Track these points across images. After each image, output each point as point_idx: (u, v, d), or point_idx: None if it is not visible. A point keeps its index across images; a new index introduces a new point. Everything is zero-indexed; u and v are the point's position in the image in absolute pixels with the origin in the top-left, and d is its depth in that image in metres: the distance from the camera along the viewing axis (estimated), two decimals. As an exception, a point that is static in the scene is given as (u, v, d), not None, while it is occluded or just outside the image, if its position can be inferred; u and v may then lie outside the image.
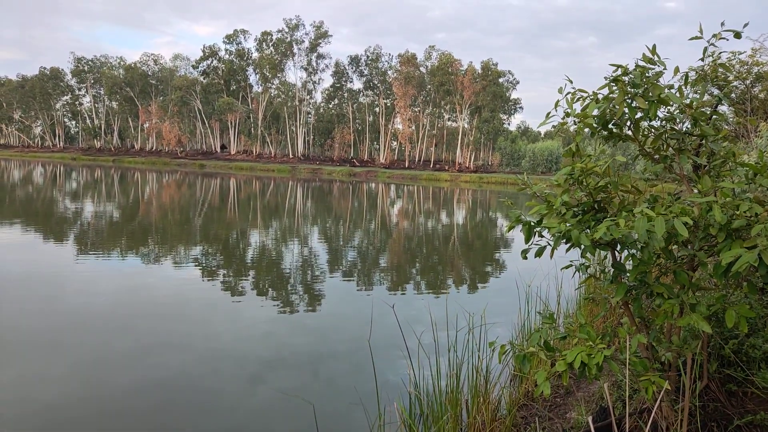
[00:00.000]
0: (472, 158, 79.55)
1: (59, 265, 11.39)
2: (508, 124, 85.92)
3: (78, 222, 18.72)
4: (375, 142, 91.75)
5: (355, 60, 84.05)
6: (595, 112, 3.02)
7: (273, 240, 16.50)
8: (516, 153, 77.41)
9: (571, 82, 3.15)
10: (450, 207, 32.84)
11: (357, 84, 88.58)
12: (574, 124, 3.06)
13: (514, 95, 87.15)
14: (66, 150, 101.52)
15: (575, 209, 2.90)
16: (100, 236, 15.82)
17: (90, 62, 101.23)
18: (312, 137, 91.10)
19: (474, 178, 62.89)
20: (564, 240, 2.71)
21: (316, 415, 4.72)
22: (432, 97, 79.91)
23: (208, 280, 10.64)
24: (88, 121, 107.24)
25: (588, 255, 2.87)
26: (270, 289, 10.12)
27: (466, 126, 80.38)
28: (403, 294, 9.95)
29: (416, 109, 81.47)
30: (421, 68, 79.25)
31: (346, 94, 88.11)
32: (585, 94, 3.10)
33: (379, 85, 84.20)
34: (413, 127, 79.85)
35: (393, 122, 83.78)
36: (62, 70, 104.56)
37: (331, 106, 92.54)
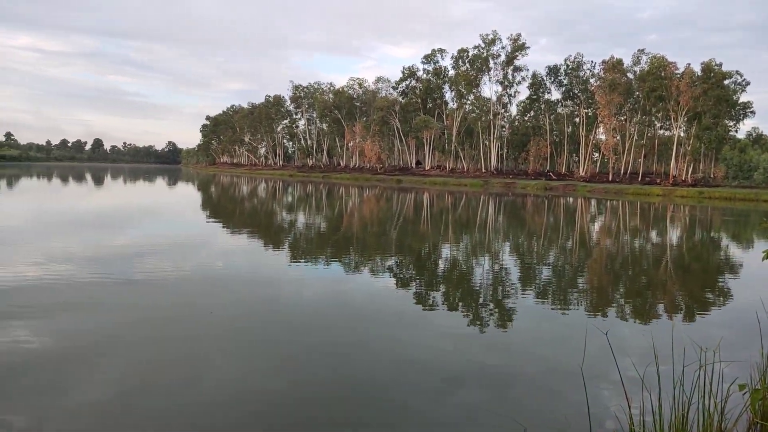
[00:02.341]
0: (690, 170, 70.63)
1: (275, 268, 12.70)
2: (736, 131, 74.75)
3: (292, 231, 20.83)
4: (574, 154, 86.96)
5: (553, 70, 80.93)
6: None
7: (464, 254, 16.39)
8: (746, 164, 66.62)
9: None
10: (662, 225, 29.40)
11: (555, 94, 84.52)
12: None
13: (743, 98, 75.00)
14: (284, 167, 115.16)
15: None
16: (310, 244, 17.34)
17: (305, 89, 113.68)
18: (505, 151, 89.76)
19: (692, 193, 55.60)
20: None
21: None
22: (641, 104, 73.13)
23: (401, 289, 10.88)
24: (302, 141, 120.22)
25: None
26: (460, 303, 9.97)
27: (682, 135, 71.77)
28: (605, 318, 9.00)
29: (622, 118, 75.30)
30: (628, 74, 73.07)
31: (543, 106, 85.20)
32: None
33: (579, 94, 79.77)
34: (618, 137, 73.83)
35: (595, 133, 78.59)
36: (283, 97, 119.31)
37: (526, 118, 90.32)
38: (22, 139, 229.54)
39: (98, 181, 66.16)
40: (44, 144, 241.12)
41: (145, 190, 52.08)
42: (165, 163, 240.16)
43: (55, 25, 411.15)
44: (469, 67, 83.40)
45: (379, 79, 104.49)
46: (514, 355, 7.10)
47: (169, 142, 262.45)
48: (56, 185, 53.46)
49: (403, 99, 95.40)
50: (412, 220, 26.92)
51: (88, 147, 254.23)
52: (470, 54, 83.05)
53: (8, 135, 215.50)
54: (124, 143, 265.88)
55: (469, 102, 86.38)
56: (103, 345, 6.85)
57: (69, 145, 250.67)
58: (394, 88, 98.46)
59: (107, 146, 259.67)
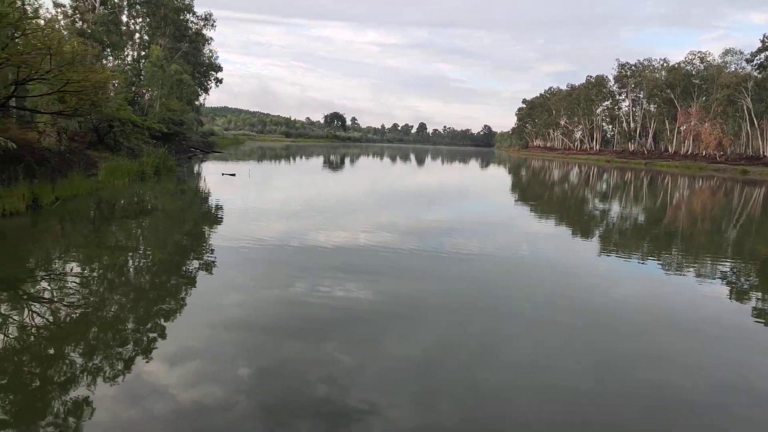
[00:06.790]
0: None
1: (582, 258, 12.04)
2: None
3: (604, 221, 19.46)
4: None
5: None
6: None
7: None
8: None
9: None
10: None
11: None
12: None
13: None
14: (601, 153, 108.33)
15: None
16: (623, 237, 15.92)
17: (633, 67, 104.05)
18: None
19: None
20: None
21: None
22: None
23: (735, 300, 9.07)
24: (624, 124, 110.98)
25: None
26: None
27: None
28: None
29: None
30: None
31: None
32: None
33: None
34: None
35: None
36: (606, 77, 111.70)
37: None
38: (363, 123, 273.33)
39: (420, 161, 73.54)
40: (379, 128, 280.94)
41: (460, 171, 55.76)
42: (479, 145, 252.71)
43: (395, 20, 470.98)
44: None
45: (727, 52, 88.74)
46: None
47: (485, 126, 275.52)
48: (386, 163, 61.54)
49: (759, 74, 79.08)
50: (759, 218, 22.18)
51: (413, 130, 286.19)
52: None
53: (353, 120, 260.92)
54: (444, 127, 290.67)
55: None
56: (416, 307, 7.60)
57: (399, 128, 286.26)
58: (748, 61, 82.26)
59: (429, 129, 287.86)
